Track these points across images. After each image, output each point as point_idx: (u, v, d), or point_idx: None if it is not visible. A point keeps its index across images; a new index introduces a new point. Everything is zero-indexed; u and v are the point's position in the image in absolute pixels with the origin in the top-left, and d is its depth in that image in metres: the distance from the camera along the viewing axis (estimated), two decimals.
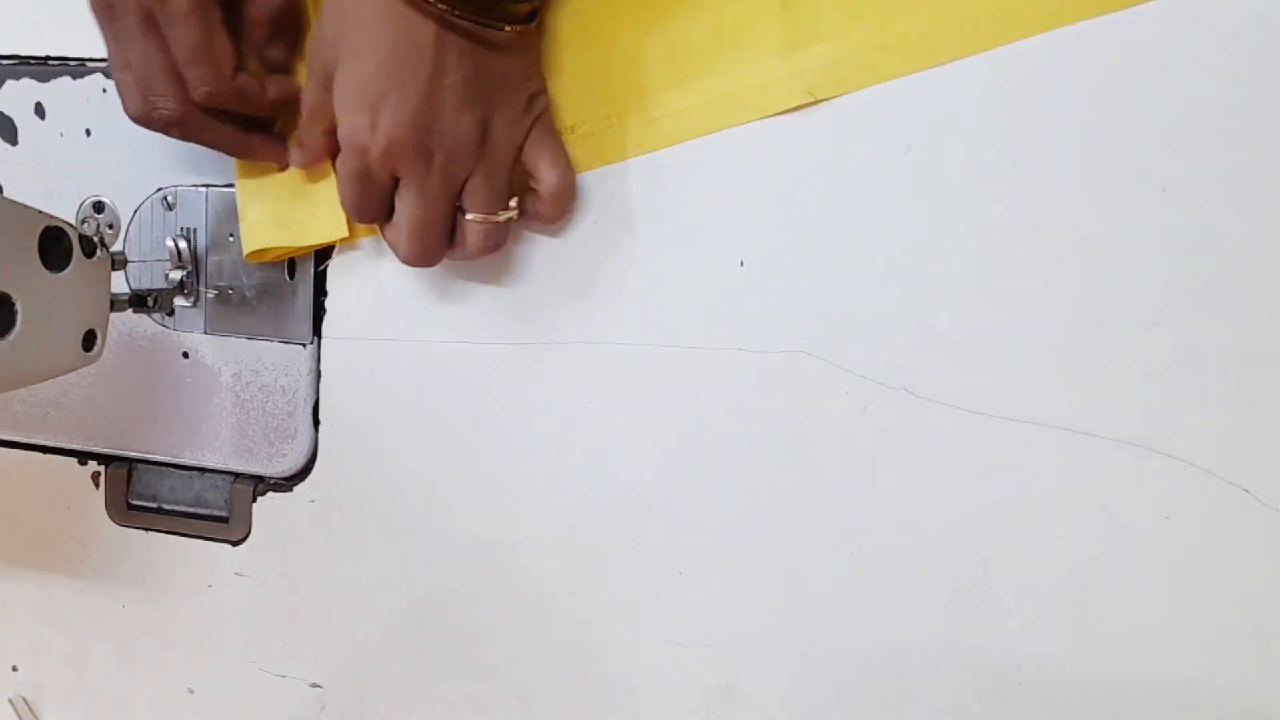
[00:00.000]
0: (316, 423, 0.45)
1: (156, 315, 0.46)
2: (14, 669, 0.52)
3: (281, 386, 0.45)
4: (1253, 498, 0.34)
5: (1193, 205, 0.34)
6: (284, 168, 0.41)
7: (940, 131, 0.36)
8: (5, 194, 0.33)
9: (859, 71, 0.37)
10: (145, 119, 0.38)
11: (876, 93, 0.37)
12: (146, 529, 0.49)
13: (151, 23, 0.36)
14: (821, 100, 0.37)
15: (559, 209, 0.39)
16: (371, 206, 0.37)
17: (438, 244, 0.38)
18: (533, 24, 0.35)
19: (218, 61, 0.37)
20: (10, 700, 0.52)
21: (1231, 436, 0.34)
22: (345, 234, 0.42)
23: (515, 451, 0.43)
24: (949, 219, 0.36)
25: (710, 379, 0.40)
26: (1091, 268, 0.35)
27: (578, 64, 0.39)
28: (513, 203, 0.38)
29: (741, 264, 0.39)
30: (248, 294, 0.45)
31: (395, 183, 0.37)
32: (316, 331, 0.45)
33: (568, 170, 0.39)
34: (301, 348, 0.45)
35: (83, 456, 0.49)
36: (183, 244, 0.44)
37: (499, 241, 0.39)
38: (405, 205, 0.37)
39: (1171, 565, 0.35)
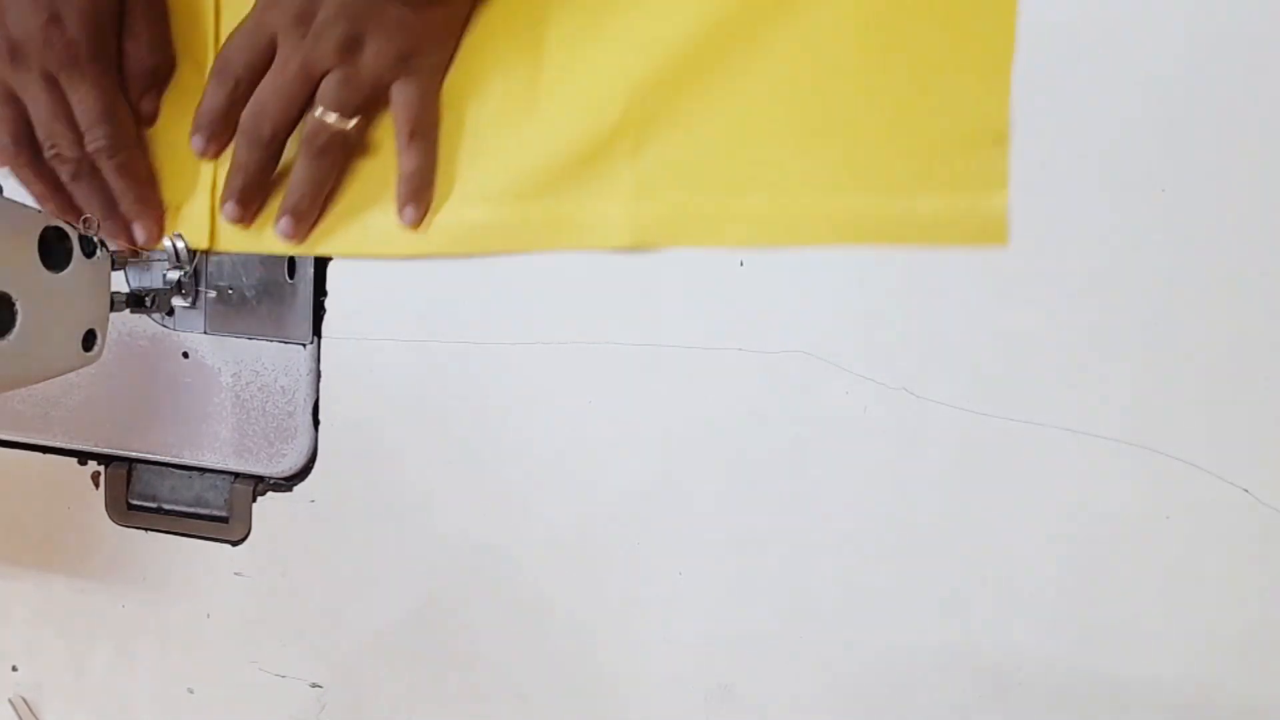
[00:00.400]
0: (316, 423, 0.45)
1: (156, 315, 0.46)
2: (14, 669, 0.52)
3: (281, 386, 0.45)
4: (1252, 498, 0.34)
5: (1193, 205, 0.34)
6: (131, 247, 0.44)
7: None
8: (5, 194, 0.33)
9: (690, 233, 0.39)
10: (24, 159, 0.42)
11: None
12: (146, 529, 0.49)
13: (53, 81, 0.40)
14: (647, 249, 0.39)
15: (410, 183, 0.41)
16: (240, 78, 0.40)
17: (281, 117, 0.40)
18: None
19: (122, 122, 0.42)
20: (10, 700, 0.52)
21: (1231, 436, 0.34)
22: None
23: (515, 451, 0.43)
24: None
25: (710, 379, 0.40)
26: (1091, 268, 0.35)
27: (453, 147, 0.41)
28: (354, 121, 0.40)
29: (741, 264, 0.39)
30: (248, 294, 0.45)
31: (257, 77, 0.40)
32: (316, 331, 0.45)
33: (424, 146, 0.40)
34: (301, 348, 0.45)
35: (83, 456, 0.49)
36: (182, 244, 0.44)
37: (331, 155, 0.40)
38: (265, 80, 0.40)
39: (1171, 565, 0.35)
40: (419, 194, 0.41)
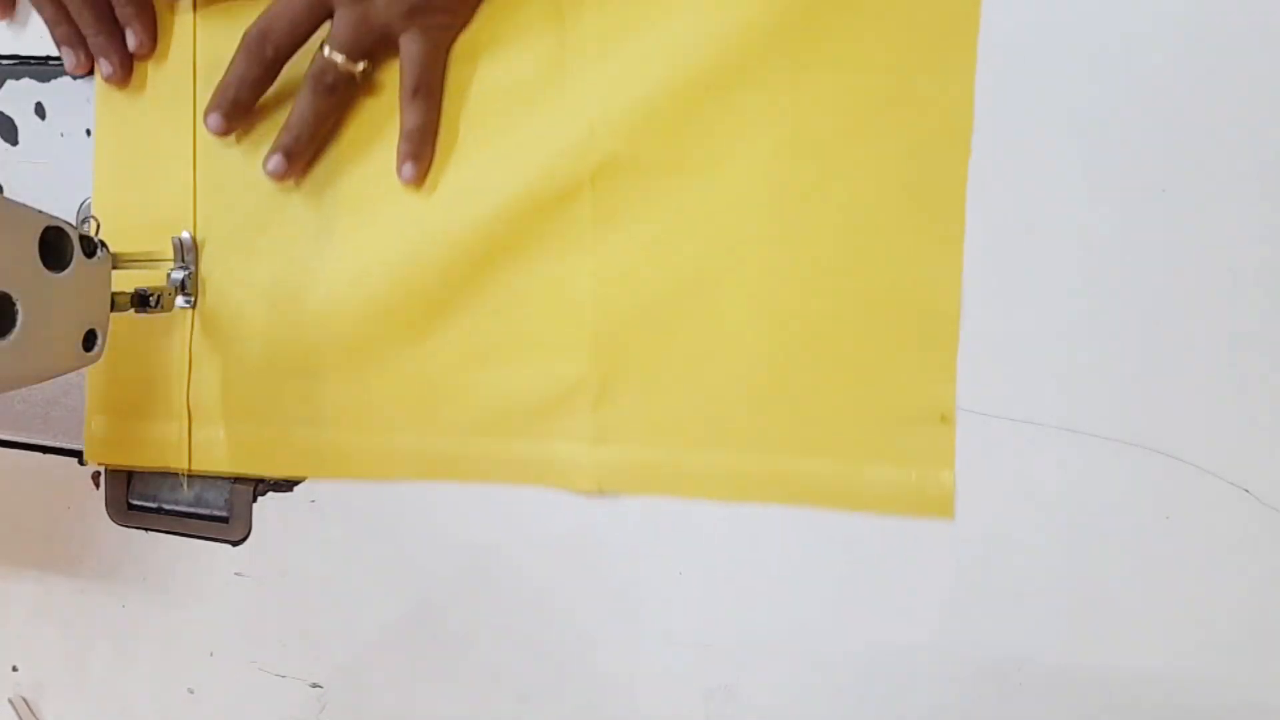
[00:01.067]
0: None
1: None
2: (14, 669, 0.52)
3: None
4: (1253, 498, 0.34)
5: (1193, 205, 0.34)
6: (120, 78, 0.44)
7: None
8: (5, 194, 0.33)
9: (648, 484, 0.40)
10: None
11: None
12: (146, 529, 0.49)
13: None
14: (608, 494, 0.41)
15: (410, 140, 0.41)
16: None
17: (285, 40, 0.40)
18: None
19: None
20: (10, 700, 0.52)
21: (1231, 436, 0.34)
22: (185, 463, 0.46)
23: None
24: None
25: None
26: (1091, 268, 0.35)
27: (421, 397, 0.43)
28: (361, 65, 0.40)
29: None
30: None
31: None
32: None
33: (428, 102, 0.41)
34: None
35: (82, 456, 0.49)
36: (187, 240, 0.44)
37: (336, 95, 0.41)
38: (274, 2, 0.40)
39: (1171, 565, 0.35)
40: (420, 151, 0.41)
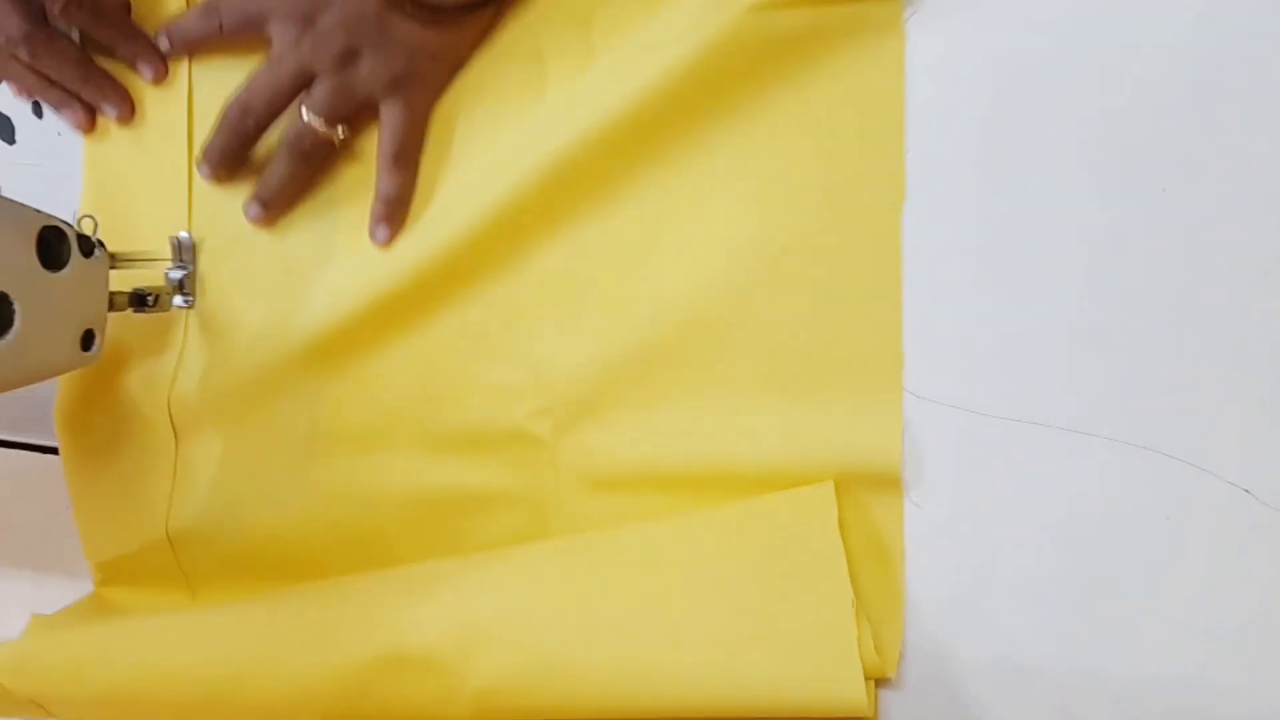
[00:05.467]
0: None
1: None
2: None
3: None
4: (1253, 498, 0.34)
5: (1193, 205, 0.34)
6: (127, 113, 0.44)
7: (940, 130, 0.36)
8: (3, 193, 0.33)
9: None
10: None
11: None
12: None
13: None
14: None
15: (386, 204, 0.41)
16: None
17: (265, 114, 0.40)
18: (438, 12, 0.38)
19: None
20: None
21: (1232, 436, 0.34)
22: None
23: None
24: (949, 218, 0.36)
25: None
26: (1092, 267, 0.35)
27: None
28: (341, 130, 0.40)
29: None
30: None
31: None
32: None
33: (406, 170, 0.41)
34: None
35: None
36: (185, 240, 0.44)
37: (313, 161, 0.41)
38: (259, 74, 0.40)
39: (1172, 565, 0.35)
40: (394, 215, 0.41)
